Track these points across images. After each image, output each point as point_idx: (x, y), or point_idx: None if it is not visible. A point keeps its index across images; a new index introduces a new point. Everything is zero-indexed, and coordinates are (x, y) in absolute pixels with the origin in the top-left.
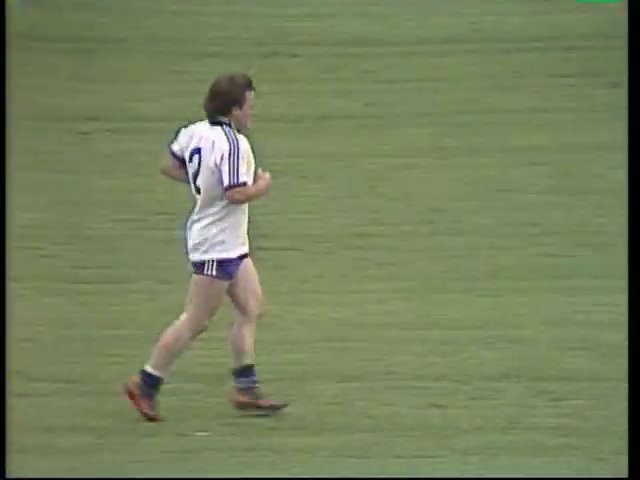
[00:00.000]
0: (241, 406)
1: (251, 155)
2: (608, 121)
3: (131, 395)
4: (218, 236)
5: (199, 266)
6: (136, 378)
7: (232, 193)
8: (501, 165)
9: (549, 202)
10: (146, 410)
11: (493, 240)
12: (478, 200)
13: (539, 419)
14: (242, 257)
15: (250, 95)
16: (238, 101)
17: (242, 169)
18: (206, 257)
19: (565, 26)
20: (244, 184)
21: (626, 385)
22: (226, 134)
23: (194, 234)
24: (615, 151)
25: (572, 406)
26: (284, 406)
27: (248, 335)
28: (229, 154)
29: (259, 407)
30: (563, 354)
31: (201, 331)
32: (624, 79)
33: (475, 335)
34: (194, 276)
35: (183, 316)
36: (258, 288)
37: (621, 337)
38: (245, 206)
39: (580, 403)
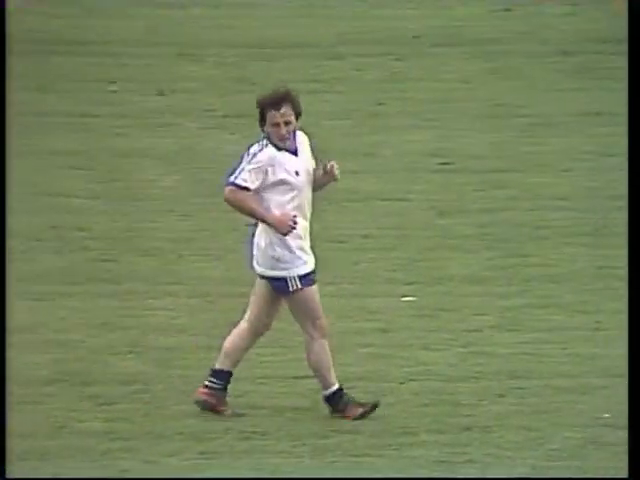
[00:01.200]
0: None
1: (276, 170)
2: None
3: (212, 407)
4: (276, 250)
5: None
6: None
7: (226, 189)
8: (46, 168)
9: (94, 207)
10: (362, 410)
11: (36, 244)
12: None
13: (88, 423)
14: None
15: (272, 114)
16: (262, 119)
17: (246, 174)
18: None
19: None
20: (238, 186)
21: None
22: (255, 144)
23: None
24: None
25: (122, 410)
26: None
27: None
28: (243, 156)
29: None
30: (113, 358)
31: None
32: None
33: (23, 339)
34: None
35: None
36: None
37: (172, 341)
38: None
39: (130, 407)
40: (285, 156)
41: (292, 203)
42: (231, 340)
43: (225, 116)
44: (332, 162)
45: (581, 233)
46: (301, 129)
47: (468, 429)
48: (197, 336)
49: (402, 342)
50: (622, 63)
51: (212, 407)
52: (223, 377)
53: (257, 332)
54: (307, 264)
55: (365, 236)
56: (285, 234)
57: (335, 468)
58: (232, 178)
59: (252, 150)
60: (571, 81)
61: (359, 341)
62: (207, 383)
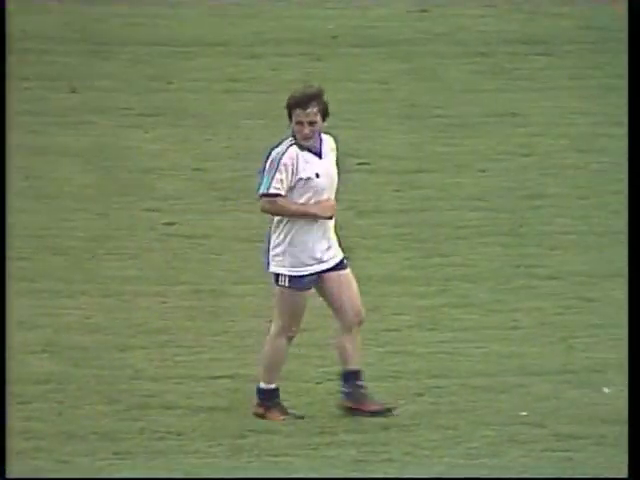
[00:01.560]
0: (346, 410)
1: (297, 169)
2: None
3: (261, 415)
4: (277, 249)
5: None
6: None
7: (262, 202)
8: None
9: (12, 206)
10: (279, 418)
11: None
12: None
13: (7, 422)
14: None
15: (297, 112)
16: (290, 116)
17: (277, 182)
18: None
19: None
20: (271, 196)
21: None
22: (280, 144)
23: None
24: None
25: (36, 409)
26: (388, 410)
27: (347, 343)
28: (269, 163)
29: (361, 412)
30: (27, 357)
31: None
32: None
33: None
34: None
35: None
36: (351, 298)
37: (86, 340)
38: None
39: (44, 406)
40: (307, 156)
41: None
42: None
43: (140, 114)
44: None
45: (498, 233)
46: (328, 132)
47: (386, 428)
48: (112, 335)
49: (319, 342)
50: (538, 64)
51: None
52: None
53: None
54: (304, 268)
55: None
56: (331, 217)
57: (251, 468)
58: (264, 189)
59: (275, 155)
60: (487, 82)
61: None
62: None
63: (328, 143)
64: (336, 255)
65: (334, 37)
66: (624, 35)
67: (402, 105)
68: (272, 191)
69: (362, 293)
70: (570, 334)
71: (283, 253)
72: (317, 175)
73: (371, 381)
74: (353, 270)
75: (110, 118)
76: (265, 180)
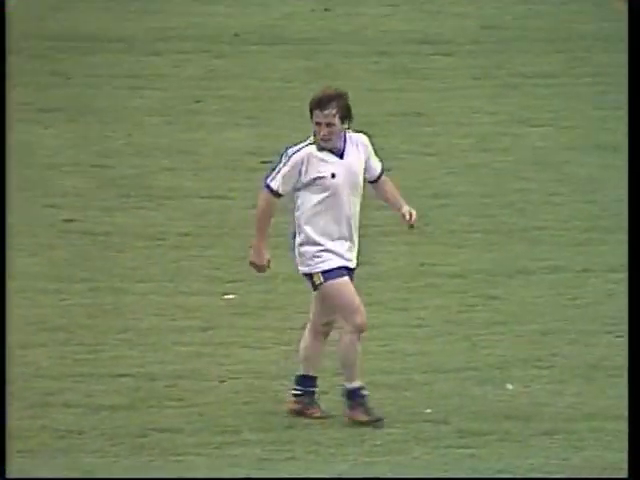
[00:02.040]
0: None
1: (309, 169)
2: None
3: (300, 412)
4: (301, 248)
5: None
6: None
7: (262, 191)
8: None
9: None
10: (367, 419)
11: None
12: None
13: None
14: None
15: (316, 113)
16: (310, 117)
17: (280, 177)
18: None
19: None
20: (271, 189)
21: None
22: (299, 143)
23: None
24: None
25: None
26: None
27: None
28: (283, 157)
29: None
30: None
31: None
32: None
33: None
34: None
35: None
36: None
37: None
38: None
39: None
40: (324, 156)
41: (323, 204)
42: (302, 346)
43: (40, 110)
44: (412, 212)
45: (403, 231)
46: (362, 131)
47: (290, 427)
48: (12, 334)
49: (223, 340)
50: (441, 64)
51: (300, 412)
52: (305, 383)
53: (317, 332)
54: (332, 261)
55: (185, 234)
56: (250, 264)
57: (153, 467)
58: (269, 179)
59: (290, 150)
60: (391, 81)
61: (179, 339)
62: (293, 392)
63: (356, 142)
64: (355, 259)
65: (236, 35)
66: (527, 34)
67: (306, 104)
68: (272, 184)
69: (266, 291)
70: (474, 332)
71: (307, 252)
72: (333, 175)
73: (275, 379)
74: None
75: (9, 113)
76: (273, 172)
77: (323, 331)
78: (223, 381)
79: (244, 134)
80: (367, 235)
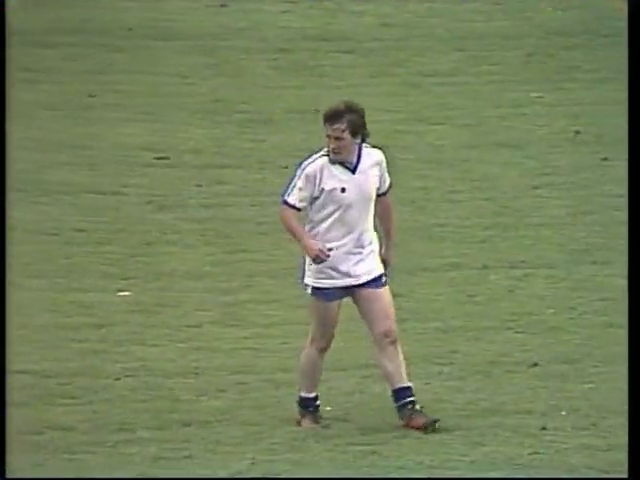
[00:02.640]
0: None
1: (321, 181)
2: None
3: (298, 421)
4: (307, 258)
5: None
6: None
7: (280, 208)
8: None
9: None
10: (311, 425)
11: None
12: None
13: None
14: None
15: (326, 127)
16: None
17: (296, 192)
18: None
19: None
20: (288, 204)
21: None
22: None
23: None
24: None
25: None
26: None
27: (384, 362)
28: (297, 170)
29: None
30: None
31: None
32: None
33: None
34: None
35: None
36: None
37: None
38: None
39: None
40: (336, 170)
41: (332, 218)
42: (381, 365)
43: None
44: (390, 261)
45: None
46: (377, 147)
47: (187, 425)
48: None
49: (118, 337)
50: (341, 61)
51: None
52: (401, 394)
53: (380, 345)
54: (326, 280)
55: (78, 229)
56: (314, 261)
57: (46, 466)
58: (286, 195)
59: (304, 163)
60: (290, 78)
61: (73, 336)
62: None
63: (370, 158)
64: (371, 271)
65: (130, 29)
66: (427, 32)
67: (203, 100)
68: (289, 200)
69: (162, 289)
70: None
71: (310, 263)
72: (343, 190)
73: (171, 377)
74: (153, 265)
75: None
76: (289, 187)
77: (386, 342)
78: (118, 379)
79: (140, 129)
80: (266, 232)
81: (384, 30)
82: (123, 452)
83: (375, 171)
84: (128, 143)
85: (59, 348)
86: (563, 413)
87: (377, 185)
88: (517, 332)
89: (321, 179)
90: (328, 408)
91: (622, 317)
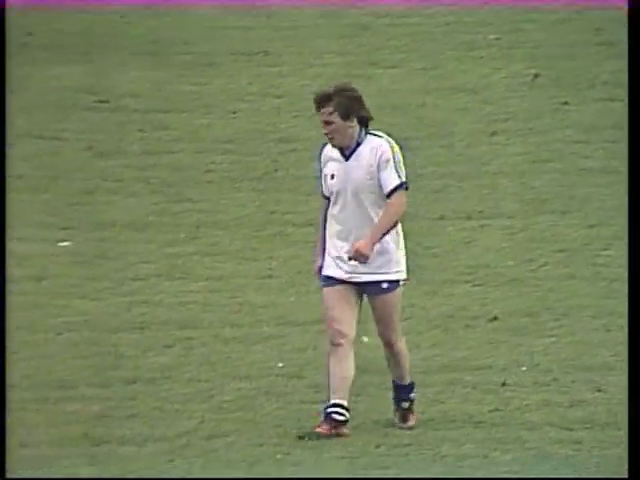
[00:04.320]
0: None
1: (326, 164)
2: None
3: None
4: None
5: None
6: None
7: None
8: None
9: None
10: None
11: None
12: None
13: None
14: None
15: (318, 112)
16: None
17: (320, 180)
18: None
19: None
20: (323, 195)
21: None
22: None
23: None
24: None
25: None
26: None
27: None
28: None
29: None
30: None
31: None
32: None
33: None
34: None
35: None
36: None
37: None
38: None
39: None
40: (334, 155)
41: (332, 206)
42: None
43: None
44: (359, 248)
45: (250, 177)
46: (388, 139)
47: (132, 382)
48: None
49: (58, 290)
50: (288, 0)
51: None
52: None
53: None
54: (328, 269)
55: (17, 176)
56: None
57: None
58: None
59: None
60: (236, 19)
61: (12, 289)
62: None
63: (369, 147)
64: (375, 272)
65: None
66: None
67: (142, 41)
68: (320, 189)
69: (103, 239)
70: None
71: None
72: (332, 176)
73: (115, 332)
74: (93, 215)
75: None
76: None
77: (383, 343)
78: (60, 333)
79: (75, 71)
80: (212, 181)
81: None
82: (65, 410)
83: (370, 160)
84: (64, 85)
85: None
86: (523, 368)
87: (370, 178)
88: (475, 285)
89: (326, 163)
90: (280, 364)
91: (582, 268)
